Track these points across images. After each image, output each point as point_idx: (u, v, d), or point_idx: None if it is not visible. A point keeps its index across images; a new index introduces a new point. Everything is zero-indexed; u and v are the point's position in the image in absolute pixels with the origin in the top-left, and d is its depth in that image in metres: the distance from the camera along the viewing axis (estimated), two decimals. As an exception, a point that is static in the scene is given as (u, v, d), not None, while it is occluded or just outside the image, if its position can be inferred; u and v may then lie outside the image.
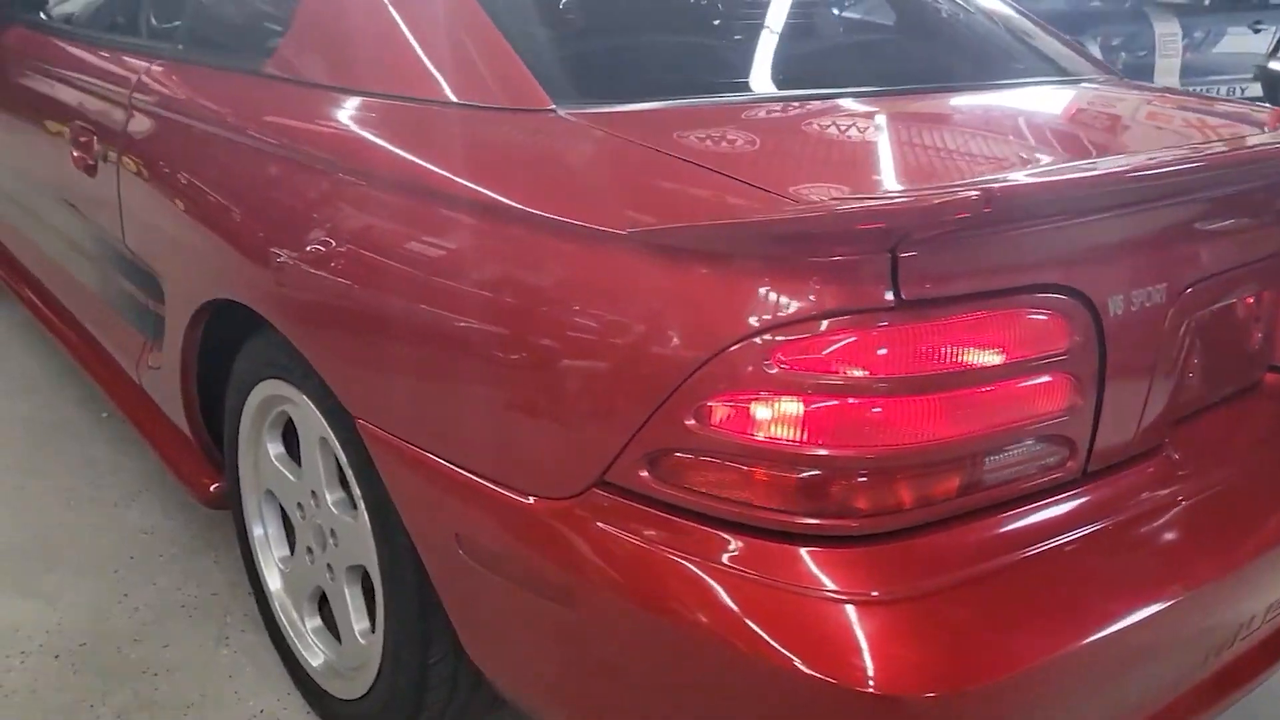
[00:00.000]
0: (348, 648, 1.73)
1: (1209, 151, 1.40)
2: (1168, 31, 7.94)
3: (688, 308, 1.11)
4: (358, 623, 1.70)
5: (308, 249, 1.45)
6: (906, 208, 1.05)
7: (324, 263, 1.43)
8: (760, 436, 1.10)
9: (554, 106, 1.39)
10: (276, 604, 1.90)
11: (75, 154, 2.17)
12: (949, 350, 1.09)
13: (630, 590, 1.18)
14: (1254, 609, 1.34)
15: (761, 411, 1.09)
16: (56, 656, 1.96)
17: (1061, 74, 1.92)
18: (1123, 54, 7.60)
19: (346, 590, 1.70)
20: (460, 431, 1.31)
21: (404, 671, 1.56)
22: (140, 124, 1.93)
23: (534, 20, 1.60)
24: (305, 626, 1.85)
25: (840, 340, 1.06)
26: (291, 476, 1.79)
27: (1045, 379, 1.16)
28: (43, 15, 2.77)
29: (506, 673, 1.43)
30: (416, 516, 1.41)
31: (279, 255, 1.50)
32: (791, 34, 1.81)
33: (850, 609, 1.09)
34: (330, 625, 1.84)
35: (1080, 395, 1.19)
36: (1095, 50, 6.12)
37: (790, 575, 1.12)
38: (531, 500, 1.23)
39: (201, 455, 2.05)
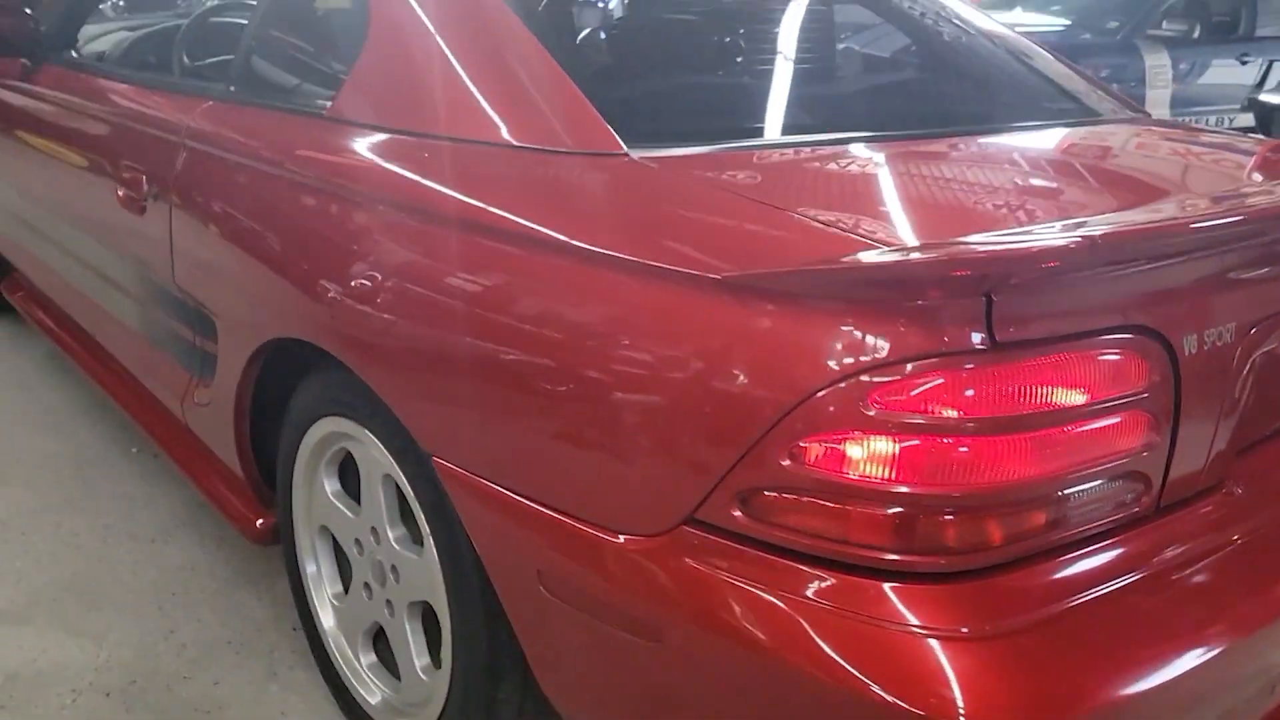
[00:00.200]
0: (408, 684, 1.75)
1: None
2: (1157, 63, 8.06)
3: (782, 349, 1.14)
4: (419, 658, 1.72)
5: (387, 291, 1.48)
6: (1009, 254, 1.08)
7: (403, 305, 1.45)
8: (854, 475, 1.13)
9: (626, 150, 1.43)
10: (330, 641, 1.91)
11: (122, 193, 2.19)
12: (1038, 390, 1.12)
13: (720, 626, 1.20)
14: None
15: (856, 451, 1.12)
16: (107, 695, 1.97)
17: (1096, 113, 1.97)
18: (1113, 85, 7.69)
19: (407, 626, 1.72)
20: (546, 471, 1.33)
21: (472, 706, 1.58)
22: (195, 164, 1.96)
23: (600, 64, 1.64)
24: (361, 663, 1.86)
25: (935, 381, 1.09)
26: (349, 513, 1.80)
27: (1126, 417, 1.19)
28: (74, 54, 2.80)
29: (583, 707, 1.44)
30: (496, 553, 1.43)
31: (355, 297, 1.52)
32: (850, 77, 1.85)
33: (941, 644, 1.12)
34: (386, 661, 1.85)
35: (1157, 432, 1.22)
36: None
37: (881, 611, 1.14)
38: (623, 539, 1.25)
39: (250, 492, 2.06)
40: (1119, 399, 1.18)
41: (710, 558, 1.21)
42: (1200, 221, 1.23)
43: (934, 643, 1.12)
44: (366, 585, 1.80)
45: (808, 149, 1.52)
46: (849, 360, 1.10)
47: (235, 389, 1.90)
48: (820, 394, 1.11)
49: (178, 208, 1.99)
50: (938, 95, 1.94)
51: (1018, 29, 2.16)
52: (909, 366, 1.09)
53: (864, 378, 1.10)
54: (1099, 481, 1.20)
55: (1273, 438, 1.51)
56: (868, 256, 1.09)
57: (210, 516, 2.53)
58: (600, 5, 2.06)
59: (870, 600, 1.15)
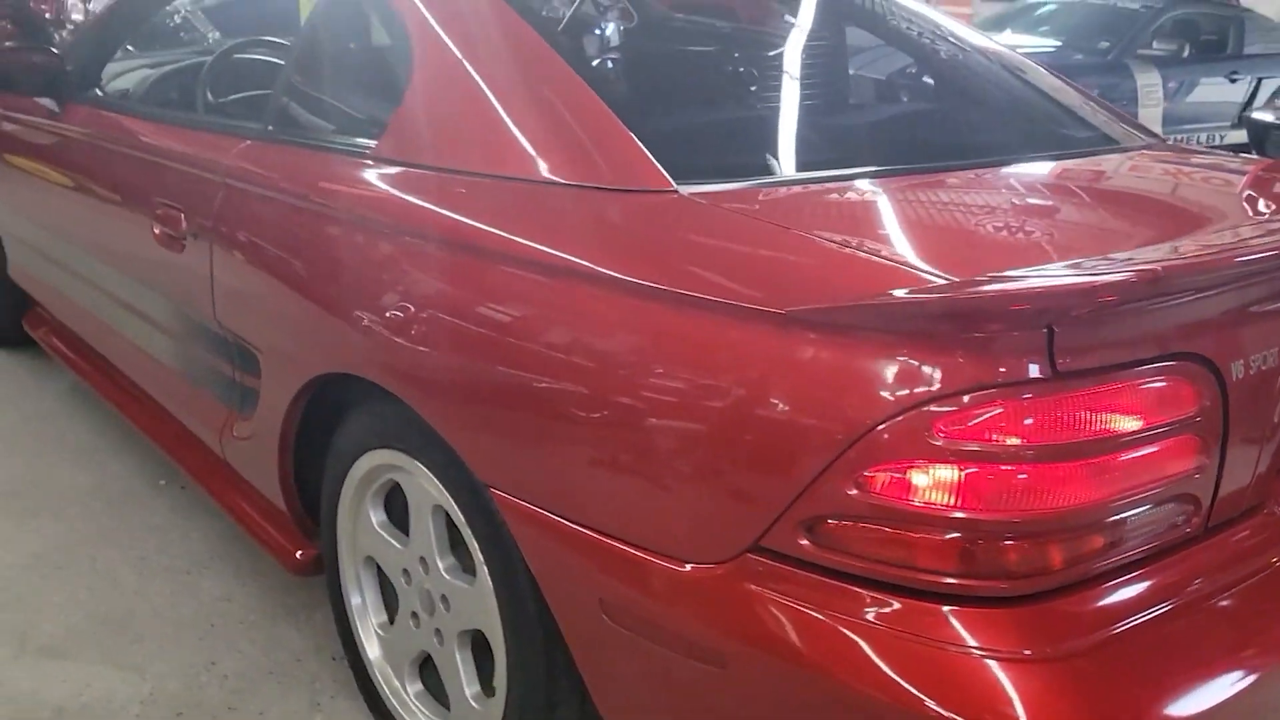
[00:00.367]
0: (458, 712, 1.77)
1: None
2: (1149, 82, 8.16)
3: (848, 381, 1.17)
4: (469, 686, 1.74)
5: (445, 328, 1.51)
6: (1075, 288, 1.12)
7: (461, 341, 1.49)
8: (919, 502, 1.16)
9: (675, 187, 1.47)
10: (376, 671, 1.94)
11: (158, 230, 2.22)
12: (1096, 418, 1.16)
13: (786, 650, 1.23)
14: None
15: (922, 479, 1.15)
16: (155, 726, 1.99)
17: (1114, 140, 2.01)
18: (1109, 106, 7.78)
19: (458, 655, 1.74)
20: (610, 502, 1.36)
21: (528, 733, 1.60)
22: (237, 202, 1.99)
23: (643, 100, 1.68)
24: (408, 692, 1.89)
25: (998, 410, 1.13)
26: (396, 544, 1.83)
27: (1178, 441, 1.23)
28: (99, 92, 2.83)
29: (645, 733, 1.47)
30: (556, 582, 1.46)
31: (413, 334, 1.55)
32: (889, 109, 1.89)
33: (1005, 667, 1.15)
34: (433, 690, 1.88)
35: (1207, 455, 1.26)
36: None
37: (945, 634, 1.17)
38: (689, 568, 1.28)
39: (293, 524, 2.09)
40: (1172, 424, 1.22)
41: (775, 584, 1.24)
42: (1255, 252, 1.27)
43: (999, 665, 1.15)
44: (414, 614, 1.82)
45: (853, 182, 1.55)
46: (914, 391, 1.14)
47: (280, 423, 1.93)
48: (886, 424, 1.15)
49: (219, 245, 2.03)
50: (974, 126, 1.98)
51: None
52: (973, 396, 1.13)
53: (929, 408, 1.13)
54: (1154, 504, 1.24)
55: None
56: (936, 291, 1.13)
57: (244, 548, 2.56)
58: (639, 43, 2.11)
59: (935, 624, 1.18)
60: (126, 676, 2.12)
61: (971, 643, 1.16)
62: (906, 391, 1.14)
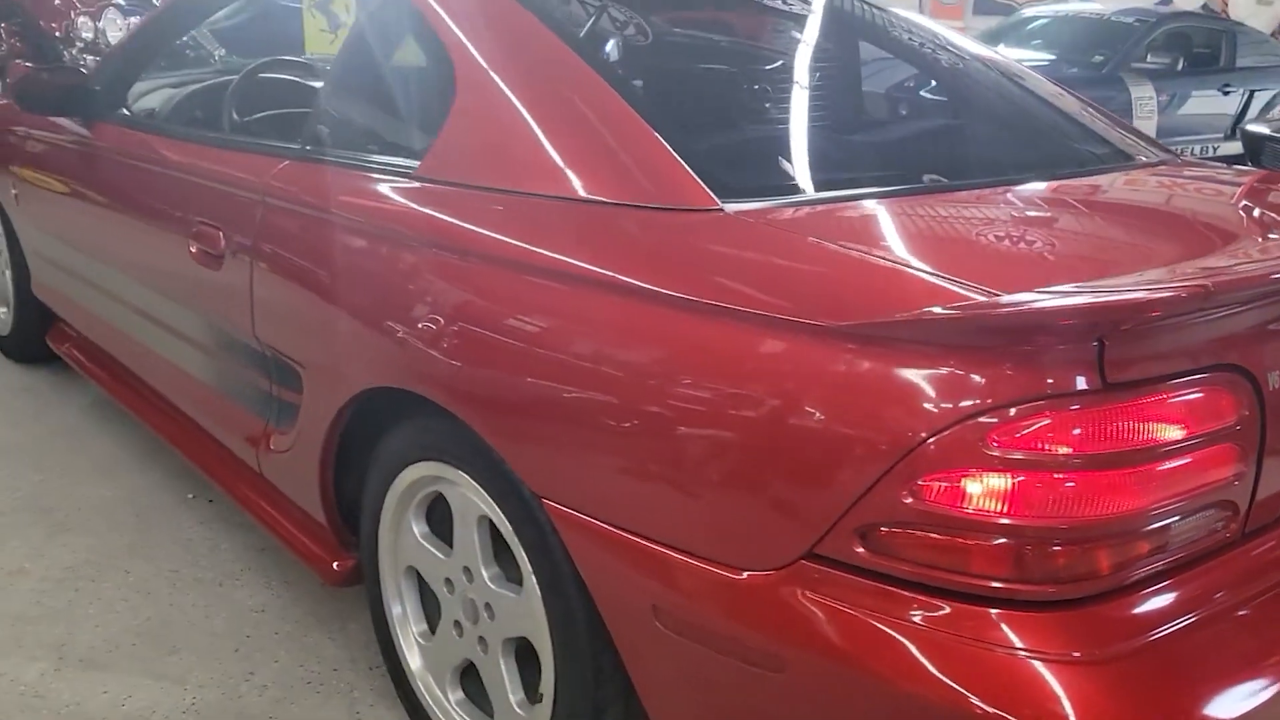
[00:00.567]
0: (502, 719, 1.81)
1: None
2: (1143, 95, 8.26)
3: (902, 393, 1.21)
4: (514, 694, 1.78)
5: (499, 344, 1.55)
6: (1128, 302, 1.17)
7: (515, 357, 1.53)
8: (972, 510, 1.20)
9: (721, 205, 1.51)
10: (417, 680, 1.97)
11: (195, 248, 2.26)
12: (1143, 428, 1.21)
13: (842, 654, 1.27)
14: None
15: (975, 487, 1.20)
16: (198, 736, 2.02)
17: (1129, 156, 2.06)
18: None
19: (502, 662, 1.78)
20: (665, 511, 1.40)
21: (575, 738, 1.64)
22: (278, 221, 2.03)
23: (686, 121, 1.72)
24: (450, 701, 1.92)
25: (1050, 420, 1.18)
26: (439, 554, 1.87)
27: (1219, 449, 1.28)
28: (126, 111, 2.87)
29: (696, 736, 1.51)
30: (609, 590, 1.50)
31: (466, 350, 1.59)
32: (922, 127, 1.94)
33: (1056, 669, 1.19)
34: (473, 698, 1.91)
35: (1245, 463, 1.30)
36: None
37: (997, 637, 1.22)
38: (745, 575, 1.33)
39: (333, 536, 2.12)
40: (1213, 433, 1.26)
41: (830, 589, 1.29)
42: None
43: (1050, 667, 1.19)
44: (457, 623, 1.86)
45: (894, 199, 1.60)
46: (969, 402, 1.18)
47: (323, 437, 1.97)
48: (941, 434, 1.19)
49: (260, 263, 2.06)
50: (1003, 143, 2.04)
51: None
52: (1026, 406, 1.17)
53: (983, 418, 1.18)
54: (1195, 510, 1.28)
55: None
56: (995, 306, 1.18)
57: (273, 560, 2.59)
58: (675, 63, 2.16)
59: (987, 627, 1.22)
60: (167, 687, 2.15)
61: (1023, 645, 1.20)
62: (961, 403, 1.18)
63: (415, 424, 1.82)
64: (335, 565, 2.15)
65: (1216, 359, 1.27)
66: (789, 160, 1.74)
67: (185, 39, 4.74)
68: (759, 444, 1.29)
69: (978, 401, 1.18)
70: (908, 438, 1.20)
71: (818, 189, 1.61)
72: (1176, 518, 1.27)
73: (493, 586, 1.75)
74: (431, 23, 1.89)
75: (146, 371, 2.83)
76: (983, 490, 1.20)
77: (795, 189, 1.61)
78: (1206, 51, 8.94)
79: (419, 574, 1.96)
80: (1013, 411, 1.18)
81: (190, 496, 2.89)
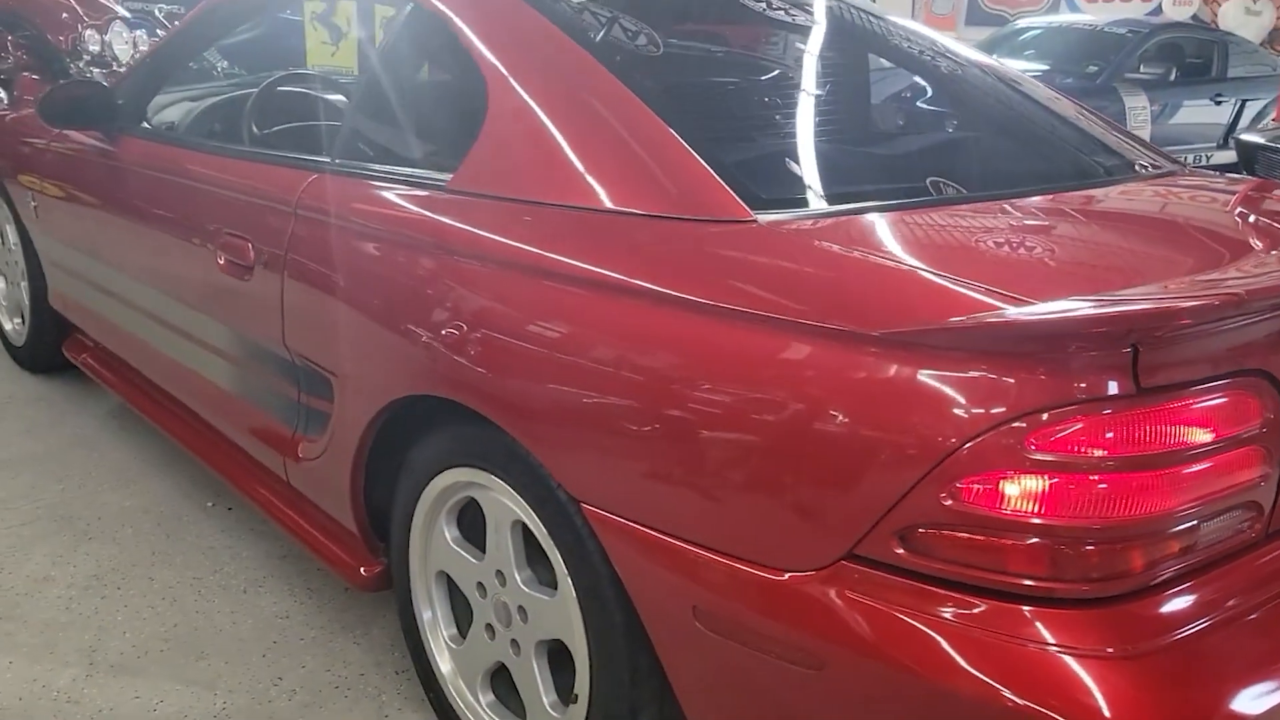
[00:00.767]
0: (535, 721, 1.84)
1: None
2: (1136, 105, 8.34)
3: (941, 397, 1.26)
4: (547, 695, 1.81)
5: (538, 353, 1.59)
6: (1163, 310, 1.21)
7: (555, 366, 1.57)
8: (1010, 511, 1.25)
9: (754, 217, 1.55)
10: (448, 684, 2.00)
11: (223, 260, 2.29)
12: (1175, 431, 1.25)
13: (881, 652, 1.31)
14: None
15: (1013, 489, 1.24)
16: (230, 740, 2.05)
17: (1140, 167, 2.11)
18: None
19: (535, 665, 1.81)
20: (707, 515, 1.44)
21: (610, 738, 1.67)
22: (310, 234, 2.06)
23: (715, 133, 1.76)
24: (481, 703, 1.96)
25: (1085, 424, 1.22)
26: (471, 558, 1.90)
27: (1245, 452, 1.32)
28: (147, 124, 2.91)
29: (734, 734, 1.55)
30: (649, 593, 1.54)
31: (505, 359, 1.63)
32: (946, 138, 1.99)
33: (1091, 664, 1.23)
34: (504, 700, 1.95)
35: (1270, 465, 1.35)
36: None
37: (1034, 634, 1.26)
38: (787, 576, 1.37)
39: (363, 542, 2.16)
40: (1240, 435, 1.31)
41: (870, 589, 1.33)
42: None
43: (1084, 663, 1.23)
44: (489, 627, 1.89)
45: (924, 209, 1.64)
46: (1007, 406, 1.23)
47: (355, 445, 2.00)
48: (980, 438, 1.23)
49: (291, 274, 2.10)
50: (1022, 154, 2.08)
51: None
52: (1062, 411, 1.22)
53: (1021, 422, 1.22)
54: (1222, 511, 1.33)
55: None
56: (1036, 313, 1.22)
57: (296, 566, 2.62)
58: (701, 75, 2.21)
59: (1022, 624, 1.26)
60: (198, 693, 2.18)
61: (1058, 642, 1.25)
62: (1000, 407, 1.23)
63: (449, 431, 1.86)
64: (363, 571, 2.18)
65: (1241, 364, 1.32)
66: (816, 171, 1.78)
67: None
68: (802, 449, 1.33)
69: (1015, 406, 1.22)
70: (948, 441, 1.24)
71: (845, 200, 1.65)
72: (1204, 518, 1.31)
73: (526, 590, 1.79)
74: (463, 39, 1.93)
75: (168, 381, 2.86)
76: (1020, 492, 1.24)
77: (823, 199, 1.65)
78: (1198, 62, 9.04)
79: (449, 579, 1.99)
80: (1049, 415, 1.22)
81: (210, 504, 2.92)
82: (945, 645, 1.28)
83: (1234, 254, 1.58)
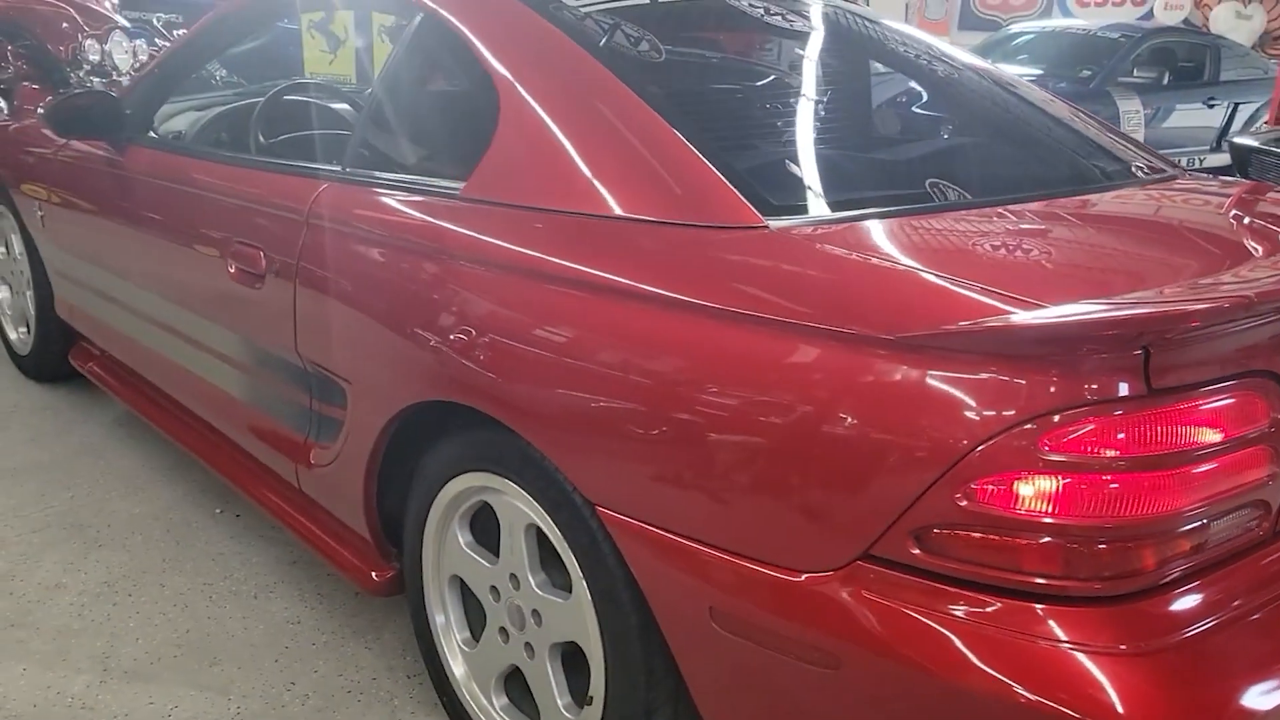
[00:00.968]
0: (549, 723, 1.86)
1: None
2: (1130, 109, 8.39)
3: (955, 399, 1.28)
4: (561, 698, 1.83)
5: (555, 360, 1.61)
6: (1175, 313, 1.24)
7: (571, 371, 1.59)
8: (1023, 511, 1.27)
9: (766, 222, 1.58)
10: (461, 687, 2.02)
11: (234, 268, 2.31)
12: (1185, 431, 1.28)
13: (897, 651, 1.33)
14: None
15: (1027, 489, 1.26)
16: (245, 745, 2.06)
17: (1150, 173, 2.14)
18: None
19: (549, 667, 1.83)
20: (721, 517, 1.46)
21: (625, 739, 1.69)
22: (322, 242, 2.08)
23: (729, 140, 1.79)
24: (494, 706, 1.97)
25: (1099, 425, 1.24)
26: (484, 562, 1.92)
27: (1253, 451, 1.34)
28: (153, 134, 2.92)
29: (749, 733, 1.57)
30: (666, 595, 1.56)
31: (522, 365, 1.65)
32: (949, 143, 2.01)
33: (1104, 661, 1.26)
34: (517, 703, 1.97)
35: (1276, 463, 1.37)
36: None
37: (1048, 632, 1.28)
38: (804, 577, 1.39)
39: (376, 548, 2.17)
40: (1248, 435, 1.33)
41: (885, 589, 1.35)
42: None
43: (1098, 660, 1.26)
44: (503, 630, 1.91)
45: (934, 215, 1.66)
46: (1019, 408, 1.25)
47: (368, 451, 2.02)
48: (995, 439, 1.25)
49: (303, 282, 2.12)
50: (1026, 160, 2.11)
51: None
52: (1075, 412, 1.24)
53: (1034, 423, 1.24)
54: (1231, 510, 1.35)
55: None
56: (1052, 316, 1.25)
57: (306, 572, 2.64)
58: (708, 81, 2.23)
59: (1036, 622, 1.29)
60: (211, 698, 2.19)
61: (1072, 639, 1.27)
62: (1014, 409, 1.25)
63: (463, 436, 1.88)
64: (375, 576, 2.20)
65: (1248, 365, 1.34)
66: (824, 177, 1.80)
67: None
68: (819, 452, 1.35)
69: (1029, 407, 1.24)
70: (963, 443, 1.26)
71: (853, 205, 1.67)
72: (1214, 517, 1.33)
73: (540, 593, 1.80)
74: (473, 49, 1.96)
75: (176, 388, 2.87)
76: (1033, 492, 1.26)
77: (832, 205, 1.67)
78: (1191, 65, 9.09)
79: (462, 582, 2.01)
80: (1062, 416, 1.24)
81: (219, 511, 2.94)
82: (960, 644, 1.30)
83: (1238, 257, 1.60)
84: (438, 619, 2.06)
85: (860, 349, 1.34)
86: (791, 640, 1.42)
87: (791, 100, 2.17)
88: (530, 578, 1.82)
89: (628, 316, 1.56)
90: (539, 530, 1.78)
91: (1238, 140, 6.66)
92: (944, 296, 1.35)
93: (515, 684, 1.96)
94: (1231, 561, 1.39)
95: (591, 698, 1.76)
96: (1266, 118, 8.36)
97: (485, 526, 1.93)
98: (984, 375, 1.27)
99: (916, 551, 1.32)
